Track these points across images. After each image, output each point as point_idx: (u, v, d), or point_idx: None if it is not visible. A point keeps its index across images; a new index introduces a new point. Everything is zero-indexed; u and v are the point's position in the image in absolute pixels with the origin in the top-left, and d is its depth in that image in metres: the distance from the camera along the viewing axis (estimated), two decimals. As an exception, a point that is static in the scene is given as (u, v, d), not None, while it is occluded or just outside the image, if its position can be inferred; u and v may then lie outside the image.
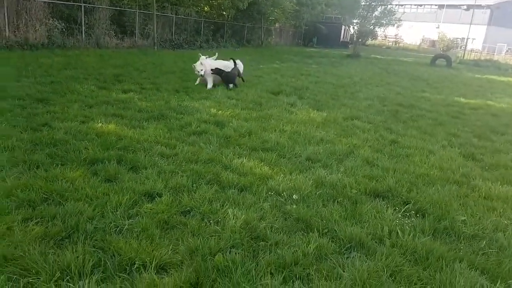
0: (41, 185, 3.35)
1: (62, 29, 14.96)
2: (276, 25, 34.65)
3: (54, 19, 14.80)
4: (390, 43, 55.24)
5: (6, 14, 13.05)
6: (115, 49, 16.12)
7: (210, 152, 4.67)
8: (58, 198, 3.21)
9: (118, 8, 17.87)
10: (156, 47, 18.39)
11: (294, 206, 3.44)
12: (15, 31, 13.47)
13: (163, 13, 20.44)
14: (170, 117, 6.15)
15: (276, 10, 28.22)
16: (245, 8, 24.23)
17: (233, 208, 3.30)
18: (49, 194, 3.26)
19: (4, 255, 2.44)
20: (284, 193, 3.70)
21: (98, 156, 4.12)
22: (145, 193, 3.44)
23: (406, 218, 3.44)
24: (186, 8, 22.38)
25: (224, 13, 27.84)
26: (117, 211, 3.09)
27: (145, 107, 6.64)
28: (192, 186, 3.65)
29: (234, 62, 10.01)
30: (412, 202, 3.76)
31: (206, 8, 26.72)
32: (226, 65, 9.85)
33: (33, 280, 2.28)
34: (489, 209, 3.83)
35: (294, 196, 3.64)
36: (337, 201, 3.67)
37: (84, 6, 15.86)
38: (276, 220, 3.22)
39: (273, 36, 34.80)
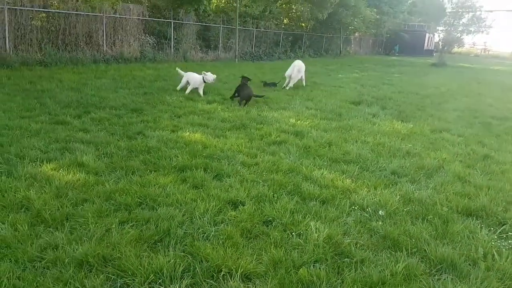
0: (136, 190, 3.62)
1: (153, 44, 16.38)
2: (356, 34, 33.98)
3: (147, 34, 16.28)
4: (478, 51, 50.73)
5: (104, 31, 14.66)
6: (200, 62, 17.16)
7: (290, 162, 4.72)
8: (151, 202, 3.43)
9: (204, 24, 19.02)
10: (237, 60, 19.18)
11: (380, 223, 3.33)
12: (111, 46, 15.05)
13: (245, 27, 21.26)
14: (251, 127, 6.36)
15: (356, 20, 27.70)
16: (324, 18, 24.20)
17: (315, 221, 3.28)
18: (143, 198, 3.47)
19: (103, 255, 2.62)
20: (369, 208, 3.59)
21: (186, 163, 4.40)
22: (229, 201, 3.57)
23: (503, 240, 3.15)
24: (266, 21, 23.04)
25: (303, 24, 28.10)
26: (204, 217, 3.23)
27: (227, 117, 6.95)
28: (273, 196, 3.71)
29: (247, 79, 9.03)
30: (509, 223, 3.43)
31: (285, 20, 27.21)
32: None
33: (129, 281, 2.42)
34: None
35: (380, 212, 3.52)
36: (427, 219, 3.46)
37: (173, 22, 17.19)
38: (361, 236, 3.13)
39: (352, 45, 34.19)
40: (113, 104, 7.29)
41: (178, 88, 9.53)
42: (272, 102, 8.68)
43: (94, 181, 3.79)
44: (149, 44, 16.21)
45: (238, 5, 19.11)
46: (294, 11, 27.05)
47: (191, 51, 17.99)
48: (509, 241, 3.13)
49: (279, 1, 25.87)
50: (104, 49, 14.65)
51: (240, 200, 3.59)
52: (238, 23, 19.45)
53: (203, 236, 2.98)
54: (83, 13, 13.98)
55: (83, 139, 5.11)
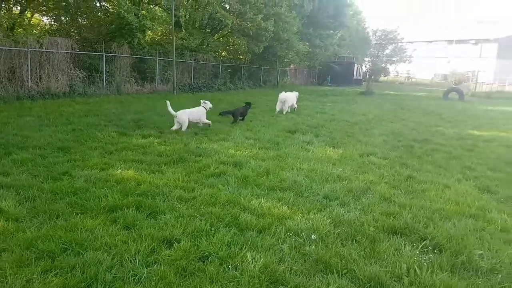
0: (61, 235, 3.39)
1: (83, 77, 15.80)
2: (291, 66, 35.73)
3: (76, 68, 15.69)
4: (402, 79, 55.79)
5: (29, 66, 13.90)
6: (136, 95, 16.83)
7: (228, 193, 4.76)
8: (77, 248, 3.23)
9: (139, 56, 18.83)
10: (175, 92, 19.12)
11: (313, 247, 3.47)
12: (37, 82, 14.23)
13: (182, 59, 21.41)
14: (189, 160, 6.32)
15: (290, 53, 29.19)
16: (260, 51, 25.19)
17: (252, 251, 3.33)
18: (69, 244, 3.29)
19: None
20: (303, 233, 3.72)
21: (117, 203, 4.22)
22: (164, 239, 3.48)
23: (424, 255, 3.42)
24: (204, 54, 23.43)
25: (241, 57, 29.00)
26: (135, 259, 3.12)
27: (164, 151, 6.84)
28: (211, 230, 3.71)
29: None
30: (429, 238, 3.75)
31: (224, 53, 27.89)
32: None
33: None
34: (505, 242, 3.80)
35: (312, 236, 3.67)
36: (356, 240, 3.67)
37: (105, 55, 16.82)
38: (295, 262, 3.23)
39: (289, 77, 35.82)
40: (37, 143, 6.82)
41: (174, 128, 8.95)
42: (212, 134, 8.74)
43: (14, 229, 3.53)
44: (79, 78, 15.62)
45: (174, 37, 19.28)
46: (231, 44, 27.89)
47: (125, 84, 17.61)
48: (430, 255, 3.42)
49: (216, 35, 26.55)
50: (29, 85, 13.85)
51: (175, 238, 3.52)
52: (176, 55, 19.55)
53: (134, 279, 2.88)
54: (5, 47, 13.20)
55: (2, 183, 4.70)
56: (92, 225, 3.68)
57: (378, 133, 10.12)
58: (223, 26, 24.60)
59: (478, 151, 8.45)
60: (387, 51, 28.25)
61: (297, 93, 15.04)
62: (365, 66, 34.37)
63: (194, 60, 22.42)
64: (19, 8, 17.10)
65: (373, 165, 6.59)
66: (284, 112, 13.39)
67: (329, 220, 4.07)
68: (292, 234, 3.71)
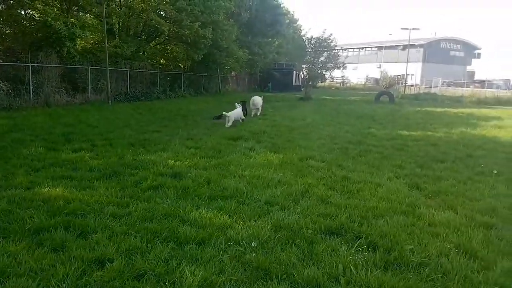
0: None
1: (8, 90, 14.56)
2: (232, 73, 35.91)
3: (-1, 80, 14.43)
4: (338, 84, 58.61)
5: None
6: (66, 107, 15.81)
7: (166, 206, 4.60)
8: None
9: (69, 66, 17.77)
10: (110, 101, 18.26)
11: (254, 254, 3.45)
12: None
13: (117, 67, 20.58)
14: (124, 173, 6.02)
15: (230, 60, 29.31)
16: (200, 59, 24.99)
17: (191, 265, 3.24)
18: None
19: None
20: (244, 241, 3.70)
21: (44, 224, 3.91)
22: (95, 260, 3.28)
23: (359, 253, 3.55)
24: (140, 61, 22.71)
25: (180, 64, 28.53)
26: (64, 283, 2.91)
27: (96, 165, 6.47)
28: (147, 247, 3.54)
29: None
30: (363, 236, 3.90)
31: (162, 60, 27.25)
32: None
33: None
34: (433, 235, 4.04)
35: (253, 244, 3.65)
36: (295, 243, 3.72)
37: (31, 66, 15.65)
38: (236, 271, 3.18)
39: (230, 84, 35.93)
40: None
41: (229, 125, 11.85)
42: (150, 144, 8.44)
43: None
44: (3, 90, 14.35)
45: (107, 45, 18.47)
46: (169, 51, 27.35)
47: (54, 95, 16.47)
48: (364, 253, 3.55)
49: (153, 42, 25.91)
50: None
51: (108, 257, 3.32)
52: (109, 64, 18.73)
53: None
54: None
55: None
56: (15, 249, 3.38)
57: (316, 137, 10.45)
58: (159, 33, 24.07)
59: (408, 150, 8.98)
60: (322, 58, 29.46)
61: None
62: (303, 73, 35.55)
63: (130, 68, 21.63)
64: None
65: (311, 168, 6.77)
66: (258, 113, 15.37)
67: (269, 225, 4.09)
68: (233, 243, 3.67)
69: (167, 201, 4.82)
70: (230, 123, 11.98)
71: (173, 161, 6.88)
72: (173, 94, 24.62)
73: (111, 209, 4.46)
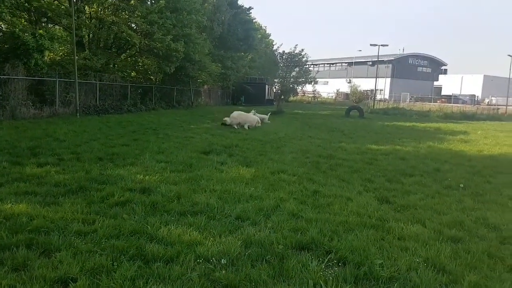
0: None
1: (-29, 103, 13.89)
2: (205, 86, 35.87)
3: (-39, 93, 13.75)
4: (309, 99, 59.74)
5: None
6: (33, 120, 15.25)
7: (134, 223, 4.46)
8: None
9: (36, 78, 17.21)
10: (78, 114, 17.77)
11: (223, 272, 3.38)
12: None
13: (86, 80, 20.11)
14: (91, 188, 5.82)
15: (203, 74, 29.31)
16: (172, 72, 24.83)
17: (158, 284, 3.15)
18: None
19: None
20: (213, 258, 3.63)
21: (5, 242, 3.73)
22: (58, 280, 3.15)
23: (329, 268, 3.56)
24: (111, 74, 22.31)
25: (152, 77, 28.23)
26: None
27: (62, 180, 6.22)
28: (113, 265, 3.42)
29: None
30: (334, 251, 3.91)
31: (133, 73, 26.89)
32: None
33: None
34: (403, 249, 4.09)
35: (222, 261, 3.59)
36: (265, 260, 3.69)
37: (-4, 78, 15.06)
38: (205, 290, 3.12)
39: (203, 97, 35.83)
40: None
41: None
42: (119, 159, 8.23)
43: None
44: (-35, 104, 13.66)
45: (76, 57, 18.05)
46: (140, 64, 27.05)
47: (21, 108, 15.86)
48: (335, 268, 3.56)
49: (123, 55, 25.56)
50: None
51: (72, 277, 3.20)
52: (78, 76, 18.27)
53: None
54: None
55: None
56: None
57: (288, 150, 10.53)
58: (130, 46, 23.80)
59: (377, 164, 9.17)
60: (293, 73, 30.04)
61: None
62: (275, 87, 36.04)
63: (100, 81, 21.18)
64: None
65: (283, 182, 6.79)
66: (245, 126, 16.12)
67: (240, 241, 4.04)
68: (202, 261, 3.60)
69: (134, 217, 4.69)
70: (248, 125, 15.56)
71: (142, 176, 6.73)
72: (144, 107, 24.25)
73: (76, 226, 4.29)
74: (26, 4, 18.04)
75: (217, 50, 33.82)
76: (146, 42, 22.14)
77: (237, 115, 16.49)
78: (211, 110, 28.81)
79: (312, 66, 40.88)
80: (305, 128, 18.07)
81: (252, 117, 16.86)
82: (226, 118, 16.38)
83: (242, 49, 38.40)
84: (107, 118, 17.91)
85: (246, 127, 16.06)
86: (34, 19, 19.25)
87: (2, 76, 15.31)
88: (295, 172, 7.68)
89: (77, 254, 3.60)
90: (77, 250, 3.69)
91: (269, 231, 4.39)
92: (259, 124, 16.86)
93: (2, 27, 18.37)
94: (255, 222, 4.69)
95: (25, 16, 19.27)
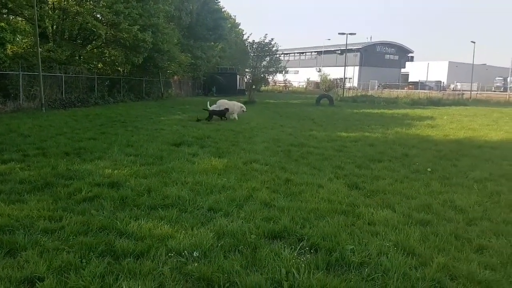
0: None
1: None
2: (175, 77, 35.21)
3: None
4: (280, 88, 59.86)
5: None
6: (-4, 115, 14.54)
7: (103, 219, 4.37)
8: None
9: (-1, 72, 16.37)
10: (44, 109, 17.08)
11: (196, 264, 3.37)
12: None
13: (51, 73, 19.31)
14: (57, 184, 5.66)
15: (173, 64, 28.72)
16: (140, 63, 24.21)
17: (129, 279, 3.10)
18: None
19: None
20: (185, 251, 3.61)
21: (-35, 244, 3.57)
22: (24, 280, 3.07)
23: (302, 256, 3.60)
24: (76, 66, 21.51)
25: (119, 68, 27.42)
26: None
27: (27, 176, 6.01)
28: (81, 262, 3.35)
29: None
30: (306, 239, 3.97)
31: (99, 65, 26.03)
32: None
33: None
34: (373, 234, 4.18)
35: (195, 253, 3.57)
36: (238, 250, 3.70)
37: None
38: (177, 284, 3.10)
39: (173, 88, 35.17)
40: None
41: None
42: (86, 153, 8.00)
43: None
44: None
45: (40, 50, 17.27)
46: (107, 55, 26.22)
47: (-18, 102, 15.09)
48: (307, 256, 3.61)
49: (89, 46, 24.66)
50: None
51: (39, 276, 3.11)
52: (42, 69, 17.51)
53: None
54: None
55: None
56: None
57: (260, 140, 10.55)
58: (96, 37, 22.99)
59: (347, 151, 9.32)
60: (264, 63, 29.92)
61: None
62: (247, 77, 35.83)
63: (65, 73, 20.39)
64: None
65: (255, 172, 6.81)
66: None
67: (212, 233, 4.03)
68: (174, 254, 3.57)
69: (103, 212, 4.60)
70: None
71: (110, 170, 6.58)
72: (112, 100, 23.60)
73: (43, 223, 4.17)
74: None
75: (186, 40, 33.18)
76: (112, 32, 21.43)
77: (223, 103, 16.32)
78: (182, 101, 28.41)
79: (282, 55, 40.91)
80: (277, 117, 18.14)
81: (237, 105, 16.51)
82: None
83: (212, 39, 37.81)
84: (73, 111, 17.32)
85: (235, 116, 15.99)
86: (-5, 11, 18.28)
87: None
88: (267, 161, 7.72)
89: (44, 253, 3.51)
90: (43, 249, 3.59)
91: (242, 222, 4.40)
92: (245, 110, 16.52)
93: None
94: (227, 213, 4.69)
95: (-15, 7, 18.25)
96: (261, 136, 11.32)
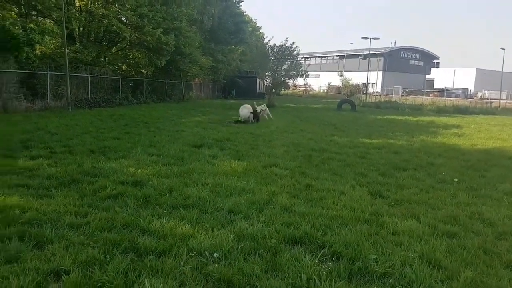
0: None
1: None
2: (196, 80, 35.63)
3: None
4: (301, 92, 59.50)
5: None
6: (25, 113, 15.07)
7: (126, 216, 4.46)
8: None
9: (27, 71, 16.96)
10: (70, 108, 17.59)
11: (216, 265, 3.39)
12: None
13: (77, 73, 19.88)
14: (83, 181, 5.81)
15: (194, 67, 29.08)
16: (163, 65, 24.62)
17: (151, 277, 3.15)
18: None
19: None
20: (206, 251, 3.64)
21: (-3, 235, 3.72)
22: (51, 272, 3.17)
23: (323, 263, 3.55)
24: (102, 67, 22.06)
25: (143, 70, 27.97)
26: None
27: (54, 173, 6.21)
28: (105, 258, 3.43)
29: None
30: (327, 246, 3.91)
31: (124, 66, 26.61)
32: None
33: None
34: (397, 244, 4.05)
35: (215, 255, 3.60)
36: (258, 253, 3.70)
37: (-14, 71, 14.82)
38: (197, 284, 3.12)
39: (194, 90, 35.59)
40: None
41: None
42: (111, 152, 8.19)
43: None
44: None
45: (66, 51, 17.81)
46: (131, 57, 26.77)
47: (12, 101, 15.66)
48: (328, 263, 3.56)
49: (114, 48, 25.24)
50: None
51: (65, 269, 3.21)
52: (69, 69, 18.05)
53: None
54: None
55: None
56: None
57: (280, 144, 10.52)
58: (120, 39, 23.53)
59: (370, 158, 9.10)
60: (285, 66, 29.86)
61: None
62: (267, 80, 35.81)
63: (91, 74, 20.95)
64: None
65: (275, 176, 6.78)
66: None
67: (232, 235, 4.05)
68: (195, 254, 3.60)
69: (127, 210, 4.69)
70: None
71: (134, 169, 6.71)
72: (135, 101, 24.07)
73: (69, 218, 4.29)
74: (16, -3, 17.78)
75: (208, 44, 33.54)
76: (137, 35, 21.90)
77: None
78: (202, 103, 28.68)
79: (303, 59, 40.63)
80: (297, 121, 18.06)
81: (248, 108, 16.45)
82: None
83: (233, 42, 38.07)
84: (98, 111, 17.75)
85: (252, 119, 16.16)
86: (25, 12, 18.99)
87: (-9, 69, 15.08)
88: (287, 165, 7.68)
89: (70, 247, 3.61)
90: (69, 243, 3.69)
91: (262, 225, 4.39)
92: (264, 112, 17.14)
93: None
94: (247, 216, 4.69)
95: (15, 9, 19.01)
96: (281, 140, 11.28)
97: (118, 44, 25.05)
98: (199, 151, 8.87)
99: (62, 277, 3.10)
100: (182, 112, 19.94)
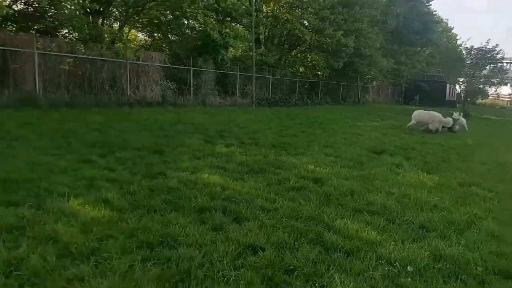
0: (158, 229, 3.62)
1: (174, 89, 16.89)
2: (374, 82, 34.41)
3: (168, 80, 16.83)
4: (503, 103, 49.69)
5: (128, 76, 15.21)
6: (218, 107, 17.51)
7: (310, 209, 4.54)
8: (172, 242, 3.42)
9: (222, 71, 19.64)
10: (254, 105, 19.51)
11: (410, 279, 3.09)
12: (135, 91, 15.53)
13: (261, 74, 21.85)
14: (269, 171, 6.24)
15: (373, 69, 28.13)
16: (340, 67, 24.65)
17: (340, 273, 3.09)
18: (165, 237, 3.48)
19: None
20: (397, 263, 3.35)
21: (205, 205, 4.36)
22: (249, 246, 3.46)
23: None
24: (282, 69, 23.66)
25: (319, 72, 28.72)
26: (223, 260, 3.16)
27: (245, 160, 6.88)
28: (294, 244, 3.55)
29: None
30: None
31: (301, 69, 27.90)
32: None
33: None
34: None
35: (408, 268, 3.27)
36: (460, 278, 3.19)
37: (193, 69, 17.81)
38: (390, 293, 2.89)
39: (370, 94, 34.49)
40: (135, 145, 7.39)
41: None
42: (290, 148, 8.60)
43: (118, 218, 3.85)
44: (170, 89, 16.71)
45: (254, 54, 19.77)
46: (309, 60, 27.75)
47: (209, 96, 18.44)
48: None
49: (294, 51, 26.62)
50: (128, 93, 15.10)
51: (260, 246, 3.47)
52: (255, 71, 20.02)
53: (223, 280, 2.92)
54: (108, 59, 14.59)
55: (108, 177, 5.19)
56: (184, 222, 3.85)
57: (479, 160, 9.01)
58: (301, 42, 24.62)
59: None
60: (484, 72, 25.56)
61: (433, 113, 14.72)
62: (460, 87, 31.56)
63: (272, 75, 22.73)
64: (118, 24, 18.91)
65: (476, 197, 5.79)
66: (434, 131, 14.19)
67: (427, 252, 3.61)
68: (385, 263, 3.35)
69: (310, 204, 4.77)
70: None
71: (313, 166, 6.82)
72: (310, 102, 24.92)
73: (260, 201, 4.66)
74: (215, 5, 20.74)
75: (390, 44, 31.83)
76: (317, 38, 22.51)
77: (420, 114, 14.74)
78: (379, 107, 27.45)
79: (509, 64, 34.08)
80: (502, 136, 15.30)
81: (437, 117, 14.32)
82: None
83: (419, 44, 34.89)
84: (277, 110, 19.09)
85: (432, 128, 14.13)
86: (221, 18, 21.93)
87: (196, 68, 18.03)
88: (491, 187, 6.44)
89: (263, 227, 3.90)
90: (262, 223, 3.99)
91: (463, 249, 3.78)
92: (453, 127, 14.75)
93: (195, 25, 21.58)
94: (443, 235, 4.12)
95: (213, 16, 22.15)
96: (480, 156, 9.69)
97: (298, 47, 26.36)
98: (380, 157, 8.40)
99: (258, 252, 3.35)
100: (357, 115, 19.53)
